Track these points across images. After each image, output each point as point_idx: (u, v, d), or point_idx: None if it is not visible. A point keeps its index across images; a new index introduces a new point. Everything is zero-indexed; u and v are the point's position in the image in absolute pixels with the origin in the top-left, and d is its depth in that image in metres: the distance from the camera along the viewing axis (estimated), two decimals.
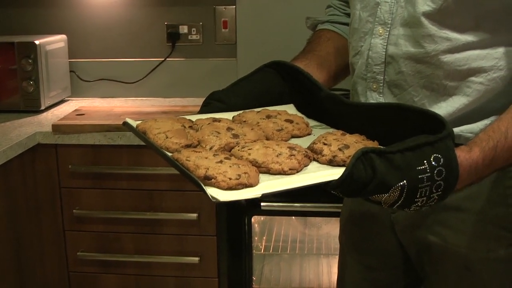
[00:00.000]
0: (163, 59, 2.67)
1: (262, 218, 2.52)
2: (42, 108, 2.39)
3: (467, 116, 1.10)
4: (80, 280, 2.24)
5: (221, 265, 2.18)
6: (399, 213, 1.24)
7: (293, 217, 2.53)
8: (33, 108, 2.38)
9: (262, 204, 2.07)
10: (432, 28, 1.08)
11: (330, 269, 2.49)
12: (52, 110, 2.45)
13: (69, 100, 2.65)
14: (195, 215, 2.11)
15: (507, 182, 1.13)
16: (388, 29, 1.14)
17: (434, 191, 0.90)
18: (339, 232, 1.47)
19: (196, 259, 2.16)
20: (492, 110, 1.08)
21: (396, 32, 1.13)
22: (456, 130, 1.07)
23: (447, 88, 1.10)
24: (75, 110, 2.33)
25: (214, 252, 2.17)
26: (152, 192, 2.14)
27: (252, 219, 2.17)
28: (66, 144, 2.10)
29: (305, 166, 0.95)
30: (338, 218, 1.48)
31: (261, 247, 2.54)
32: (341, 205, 1.46)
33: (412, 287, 1.37)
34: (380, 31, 1.15)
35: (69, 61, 2.64)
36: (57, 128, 2.09)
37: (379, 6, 1.15)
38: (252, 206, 2.09)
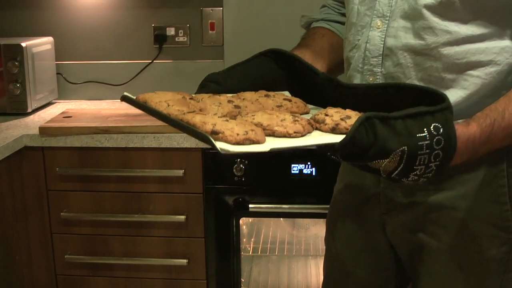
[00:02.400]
0: (150, 61, 2.66)
1: (250, 220, 2.52)
2: (29, 110, 2.38)
3: (464, 111, 1.10)
4: (68, 283, 2.23)
5: (210, 267, 2.18)
6: (390, 213, 1.25)
7: (281, 219, 2.53)
8: (20, 110, 2.36)
9: (250, 206, 2.07)
10: (433, 20, 1.09)
11: (318, 271, 2.50)
12: (39, 112, 2.44)
13: (56, 102, 2.63)
14: (183, 217, 2.11)
15: (500, 181, 1.14)
16: (387, 21, 1.15)
17: (433, 160, 0.93)
18: (325, 234, 1.46)
19: (184, 261, 2.16)
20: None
21: (395, 25, 1.14)
22: None
23: (444, 80, 1.11)
24: (62, 113, 2.31)
25: (202, 254, 2.17)
26: (140, 194, 2.14)
27: (240, 221, 2.17)
28: (53, 147, 2.09)
29: (308, 133, 0.96)
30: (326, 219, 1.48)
31: (249, 248, 2.54)
32: (329, 206, 1.46)
33: None
34: (378, 24, 1.16)
35: (56, 63, 2.63)
36: (44, 131, 2.08)
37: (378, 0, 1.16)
38: (240, 207, 2.09)
